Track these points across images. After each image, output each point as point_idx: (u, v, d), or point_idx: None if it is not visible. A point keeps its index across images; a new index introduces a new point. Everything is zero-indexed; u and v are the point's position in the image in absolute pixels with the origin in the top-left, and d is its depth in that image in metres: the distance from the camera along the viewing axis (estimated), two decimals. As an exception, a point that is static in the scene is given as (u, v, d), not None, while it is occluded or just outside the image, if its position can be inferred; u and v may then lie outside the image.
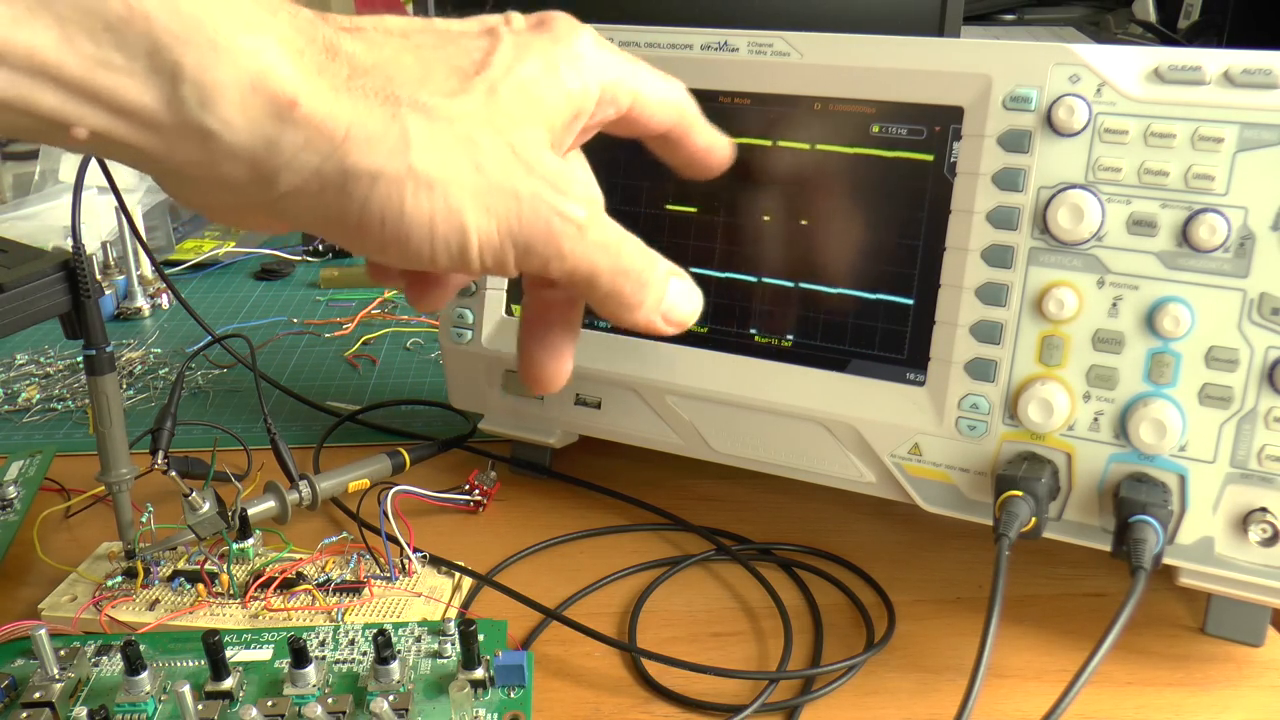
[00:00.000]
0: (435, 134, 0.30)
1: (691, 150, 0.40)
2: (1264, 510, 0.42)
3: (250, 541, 0.52)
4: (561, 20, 0.35)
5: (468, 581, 0.51)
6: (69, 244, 0.47)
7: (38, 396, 0.74)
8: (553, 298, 0.39)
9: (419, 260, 0.31)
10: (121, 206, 0.60)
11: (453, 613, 0.48)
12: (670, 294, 0.36)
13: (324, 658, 0.44)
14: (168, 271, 0.95)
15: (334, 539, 0.52)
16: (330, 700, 0.41)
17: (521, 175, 0.32)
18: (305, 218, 0.31)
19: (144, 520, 0.51)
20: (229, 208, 0.32)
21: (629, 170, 0.54)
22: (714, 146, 0.41)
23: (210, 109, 0.28)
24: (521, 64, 0.33)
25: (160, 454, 0.53)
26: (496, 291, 0.58)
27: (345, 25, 0.32)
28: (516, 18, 0.35)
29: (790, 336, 0.52)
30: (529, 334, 0.39)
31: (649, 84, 0.37)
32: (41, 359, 0.81)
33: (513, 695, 0.42)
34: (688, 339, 0.54)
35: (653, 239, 0.54)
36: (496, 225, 0.32)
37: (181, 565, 0.50)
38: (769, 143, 0.51)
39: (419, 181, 0.30)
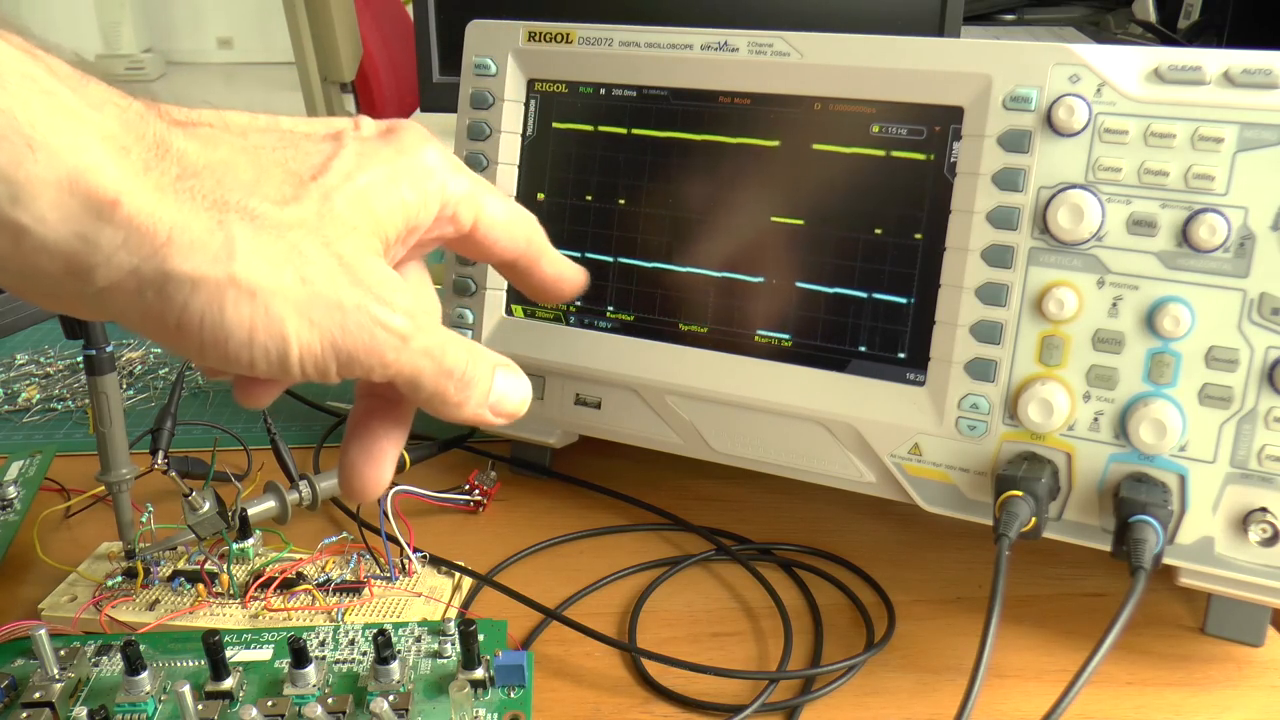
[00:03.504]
0: (261, 243, 0.30)
1: (540, 278, 0.40)
2: (1264, 510, 0.42)
3: (250, 541, 0.52)
4: (410, 130, 0.35)
5: (468, 581, 0.51)
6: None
7: (38, 396, 0.74)
8: (379, 402, 0.39)
9: (238, 365, 0.31)
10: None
11: (453, 613, 0.48)
12: (497, 386, 0.36)
13: (324, 658, 0.44)
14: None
15: (334, 539, 0.52)
16: (330, 700, 0.41)
17: (346, 287, 0.32)
18: (124, 314, 0.30)
19: (144, 520, 0.51)
20: (47, 296, 0.31)
21: (627, 171, 0.54)
22: (563, 276, 0.40)
23: (22, 206, 0.27)
24: (361, 172, 0.33)
25: (160, 454, 0.53)
26: (496, 292, 0.58)
27: (180, 119, 0.31)
28: (366, 123, 0.35)
29: (790, 336, 0.52)
30: (353, 438, 0.39)
31: (494, 206, 0.37)
32: (41, 359, 0.81)
33: (513, 695, 0.42)
34: (688, 339, 0.54)
35: (653, 239, 0.54)
36: (319, 336, 0.31)
37: (181, 565, 0.50)
38: (769, 143, 0.51)
39: (240, 290, 0.30)
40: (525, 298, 0.58)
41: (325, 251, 0.31)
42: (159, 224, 0.29)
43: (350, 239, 0.32)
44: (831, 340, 0.51)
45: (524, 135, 0.57)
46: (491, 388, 0.36)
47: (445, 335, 0.35)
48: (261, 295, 0.30)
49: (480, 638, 0.42)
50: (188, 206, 0.29)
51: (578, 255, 0.56)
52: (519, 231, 0.38)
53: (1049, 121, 0.44)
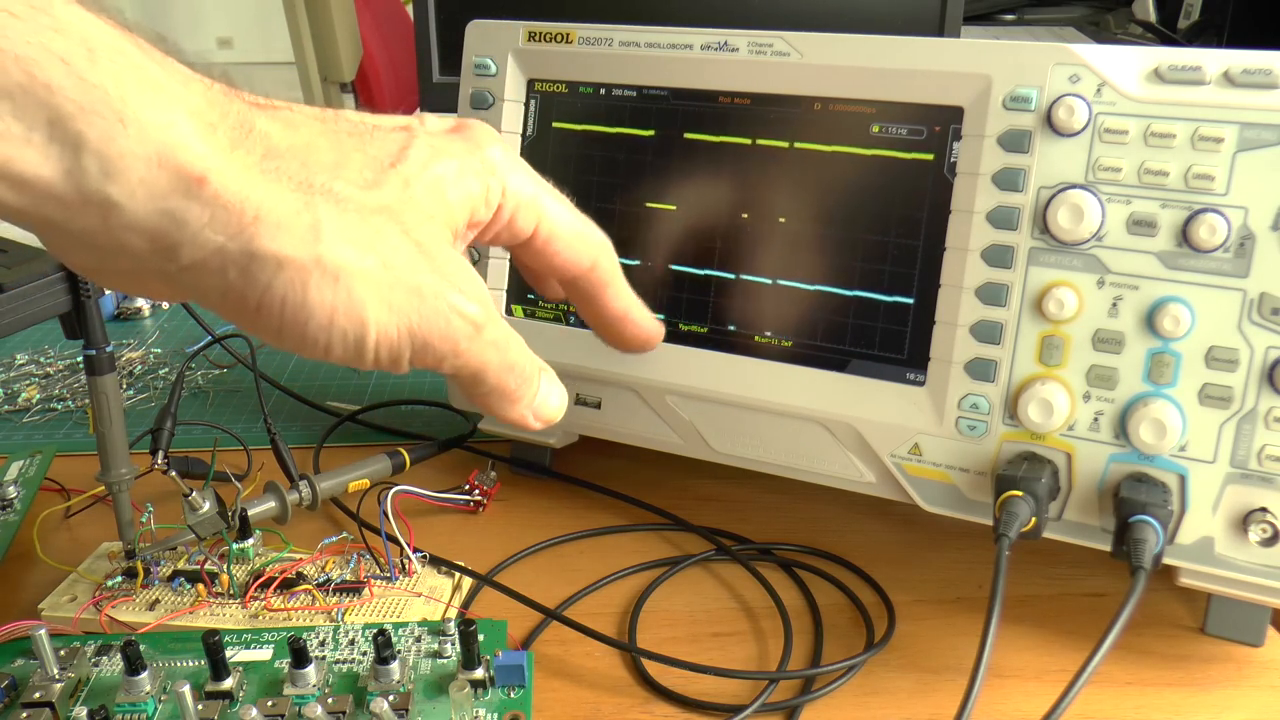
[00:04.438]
0: (346, 226, 0.30)
1: (606, 309, 0.39)
2: (1264, 510, 0.42)
3: (250, 541, 0.52)
4: (479, 128, 0.35)
5: (468, 581, 0.51)
6: (69, 244, 0.47)
7: (38, 396, 0.74)
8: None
9: (313, 350, 0.31)
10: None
11: (453, 613, 0.48)
12: (542, 391, 0.37)
13: (324, 658, 0.44)
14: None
15: (334, 539, 0.52)
16: (330, 700, 0.41)
17: (426, 273, 0.32)
18: (203, 293, 0.30)
19: (144, 520, 0.51)
20: (125, 274, 0.31)
21: (627, 171, 0.54)
22: (630, 315, 0.40)
23: (113, 180, 0.27)
24: (436, 162, 0.33)
25: (160, 454, 0.53)
26: (496, 292, 0.58)
27: (260, 103, 0.31)
28: (431, 119, 0.35)
29: (790, 336, 0.52)
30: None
31: (560, 214, 0.37)
32: (41, 359, 0.81)
33: (513, 695, 0.42)
34: (688, 339, 0.54)
35: (652, 239, 0.54)
36: (397, 322, 0.31)
37: (181, 565, 0.50)
38: (769, 143, 0.51)
39: (325, 272, 0.30)
40: (525, 298, 0.58)
41: (405, 238, 0.32)
42: (246, 203, 0.29)
43: (427, 226, 0.32)
44: (831, 340, 0.51)
45: (524, 135, 0.57)
46: (539, 390, 0.36)
47: (510, 329, 0.35)
48: (345, 278, 0.30)
49: (480, 638, 0.42)
50: (274, 187, 0.29)
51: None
52: (583, 249, 0.38)
53: (1049, 121, 0.44)
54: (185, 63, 0.30)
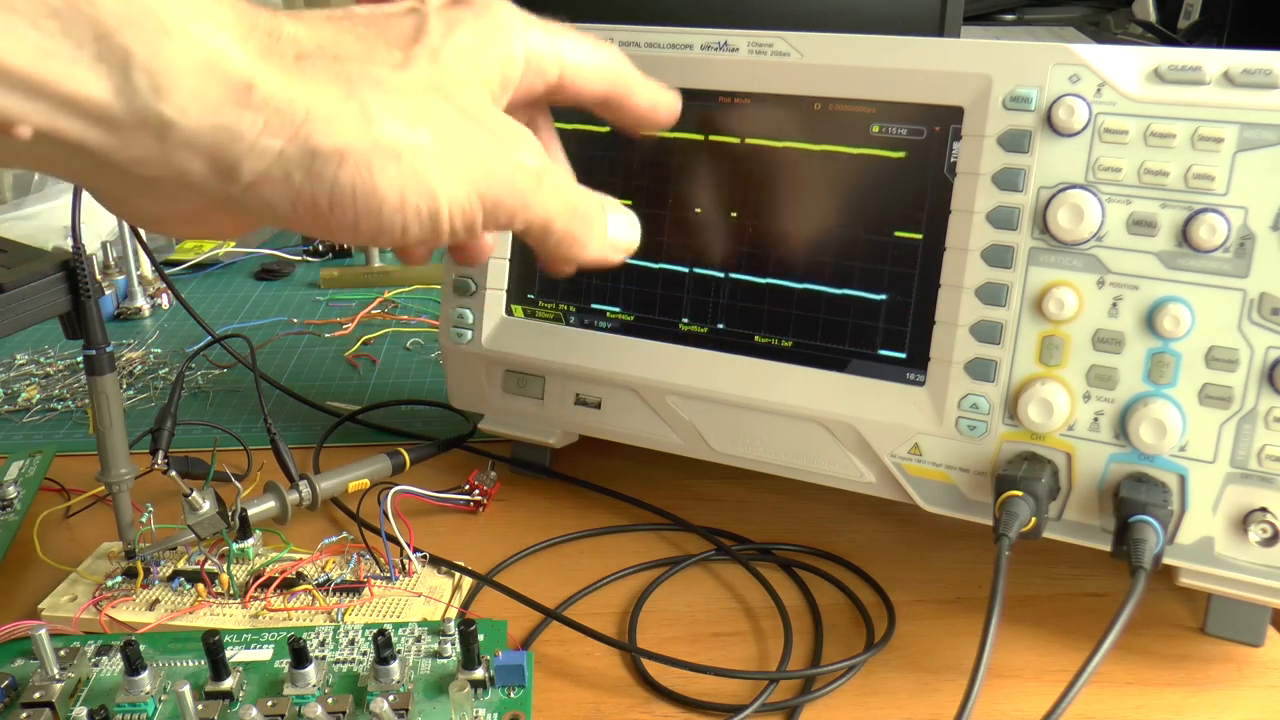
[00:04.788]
0: (392, 104, 0.30)
1: (635, 111, 0.40)
2: (1264, 510, 0.42)
3: (250, 541, 0.52)
4: None
5: (468, 581, 0.51)
6: (69, 244, 0.47)
7: (38, 396, 0.74)
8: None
9: (391, 235, 0.31)
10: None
11: (453, 613, 0.48)
12: (612, 226, 0.37)
13: (324, 658, 0.44)
14: (168, 271, 0.95)
15: (334, 539, 0.52)
16: (330, 700, 0.41)
17: (478, 135, 0.32)
18: (274, 208, 0.30)
19: (144, 520, 0.51)
20: (188, 211, 0.31)
21: (627, 171, 0.54)
22: (658, 103, 0.41)
23: (165, 96, 0.27)
24: (454, 33, 0.33)
25: (160, 454, 0.53)
26: (496, 292, 0.58)
27: (282, 13, 0.31)
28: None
29: (790, 336, 0.52)
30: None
31: (577, 51, 0.37)
32: (41, 359, 0.81)
33: (513, 695, 0.42)
34: (688, 339, 0.54)
35: (653, 239, 0.54)
36: (465, 187, 0.32)
37: (181, 565, 0.50)
38: (769, 143, 0.51)
39: (386, 153, 0.30)
40: (525, 298, 0.58)
41: (449, 106, 0.32)
42: (294, 103, 0.29)
43: (466, 92, 0.33)
44: (831, 340, 0.51)
45: (524, 135, 0.57)
46: (609, 226, 0.37)
47: (567, 174, 0.36)
48: (406, 155, 0.30)
49: (480, 638, 0.42)
50: (315, 83, 0.29)
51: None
52: (604, 71, 0.38)
53: (1049, 121, 0.44)
54: None
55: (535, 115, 0.40)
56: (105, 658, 0.44)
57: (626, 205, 0.39)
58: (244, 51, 0.28)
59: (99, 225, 0.97)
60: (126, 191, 0.30)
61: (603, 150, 0.55)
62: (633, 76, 0.40)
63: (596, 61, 0.38)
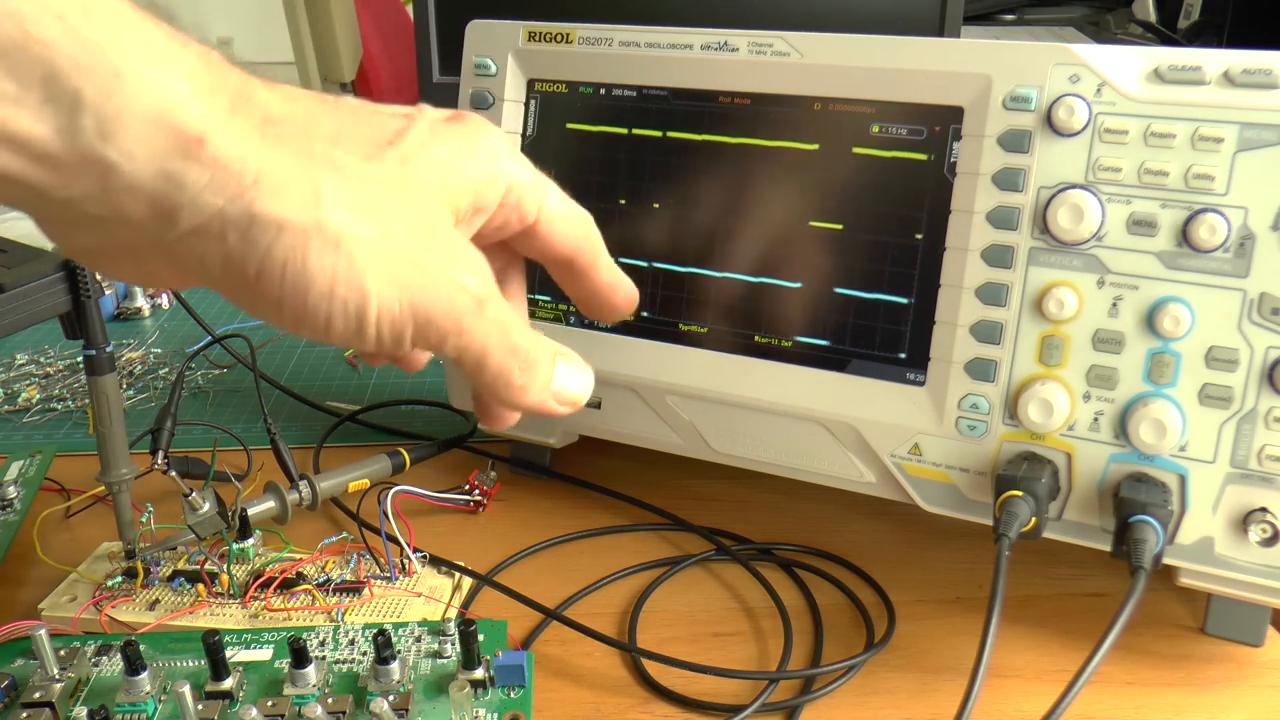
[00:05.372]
0: (347, 192, 0.30)
1: (594, 282, 0.40)
2: (1264, 510, 0.42)
3: (250, 541, 0.52)
4: (476, 119, 0.35)
5: (468, 581, 0.51)
6: (69, 244, 0.47)
7: (38, 396, 0.74)
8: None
9: (314, 325, 0.30)
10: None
11: (453, 613, 0.48)
12: (559, 376, 0.36)
13: (324, 658, 0.44)
14: (168, 271, 0.94)
15: (334, 539, 0.52)
16: (330, 700, 0.41)
17: (427, 246, 0.32)
18: (204, 264, 0.30)
19: (144, 520, 0.51)
20: (126, 252, 0.30)
21: (627, 171, 0.54)
22: (616, 285, 0.40)
23: (111, 140, 0.27)
24: (434, 145, 0.33)
25: (160, 454, 0.53)
26: (496, 291, 0.58)
27: (257, 79, 0.31)
28: (430, 109, 0.35)
29: (790, 336, 0.52)
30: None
31: (555, 200, 0.37)
32: (41, 359, 0.81)
33: (513, 695, 0.42)
34: (688, 339, 0.54)
35: (652, 239, 0.54)
36: (399, 294, 0.31)
37: (181, 565, 0.50)
38: (769, 143, 0.51)
39: (326, 237, 0.29)
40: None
41: (404, 211, 0.31)
42: (246, 166, 0.28)
43: (426, 202, 0.32)
44: (831, 340, 0.51)
45: (524, 135, 0.57)
46: (553, 375, 0.36)
47: (512, 311, 0.35)
48: (346, 244, 0.30)
49: (480, 638, 0.42)
50: (274, 151, 0.29)
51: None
52: (577, 228, 0.38)
53: (1049, 121, 0.44)
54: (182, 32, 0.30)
55: (508, 263, 0.40)
56: (105, 658, 0.44)
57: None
58: (204, 104, 0.28)
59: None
60: (68, 222, 0.30)
61: (603, 150, 0.55)
62: (601, 249, 0.39)
63: (575, 217, 0.38)
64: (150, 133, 0.27)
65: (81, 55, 0.26)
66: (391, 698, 0.40)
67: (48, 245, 0.54)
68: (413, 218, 0.31)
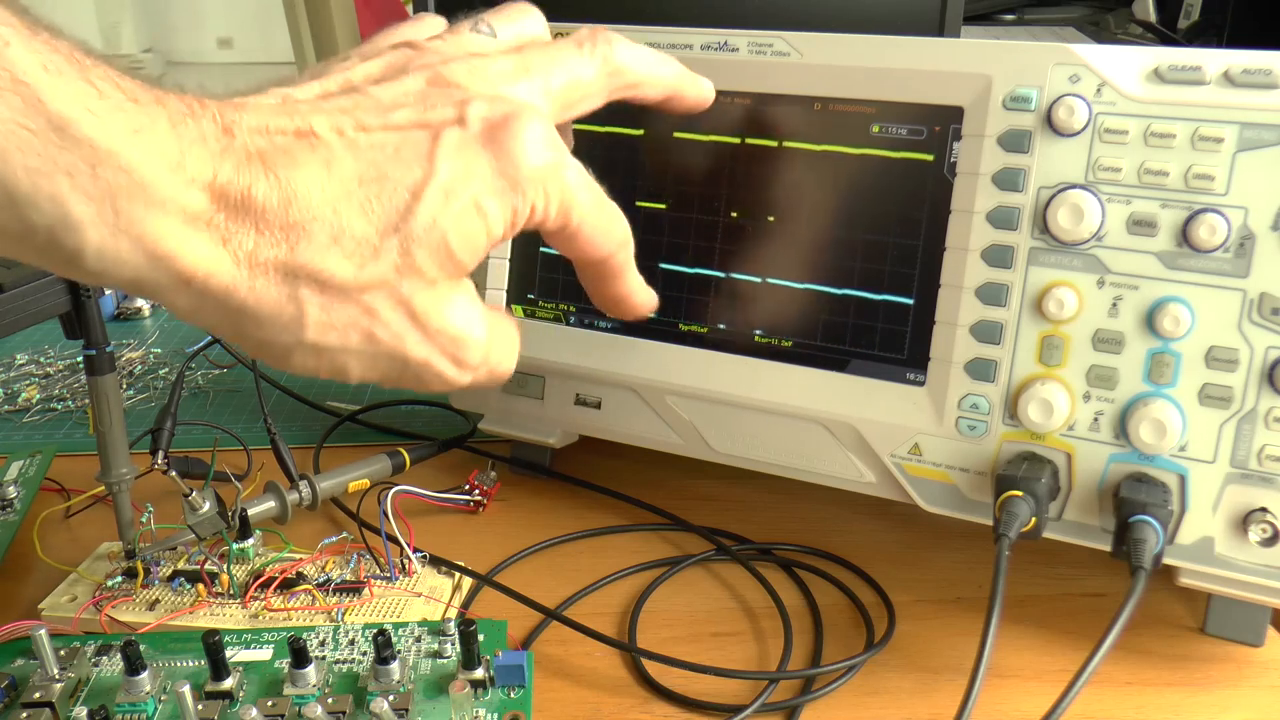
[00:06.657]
0: (332, 312, 0.32)
1: (612, 291, 0.41)
2: (1264, 510, 0.42)
3: (250, 541, 0.52)
4: (515, 131, 0.33)
5: (468, 581, 0.51)
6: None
7: (38, 396, 0.74)
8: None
9: (292, 371, 0.34)
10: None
11: (453, 613, 0.48)
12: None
13: (324, 658, 0.44)
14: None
15: (334, 539, 0.52)
16: (330, 700, 0.41)
17: (415, 343, 0.33)
18: (179, 312, 0.32)
19: (144, 520, 0.51)
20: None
21: (627, 171, 0.54)
22: (633, 298, 0.41)
23: (105, 269, 0.29)
24: (450, 206, 0.32)
25: (160, 454, 0.53)
26: (497, 292, 0.58)
27: (260, 143, 0.30)
28: (475, 107, 0.33)
29: (790, 336, 0.52)
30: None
31: (589, 209, 0.36)
32: (41, 359, 0.81)
33: (513, 695, 0.42)
34: (688, 339, 0.54)
35: (652, 239, 0.54)
36: (378, 375, 0.34)
37: (181, 565, 0.50)
38: (769, 143, 0.51)
39: (307, 350, 0.32)
40: (525, 298, 0.58)
41: (399, 310, 0.33)
42: (232, 294, 0.30)
43: (427, 292, 0.33)
44: (831, 340, 0.51)
45: (524, 135, 0.57)
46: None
47: (496, 373, 0.37)
48: (327, 353, 0.32)
49: (480, 638, 0.42)
50: (261, 280, 0.31)
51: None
52: (605, 242, 0.38)
53: (1049, 121, 0.44)
54: (200, 97, 0.30)
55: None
56: (105, 658, 0.44)
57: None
58: (204, 243, 0.29)
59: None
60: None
61: (603, 151, 0.55)
62: (629, 264, 0.40)
63: (603, 227, 0.38)
64: (143, 266, 0.29)
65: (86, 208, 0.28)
66: (391, 698, 0.40)
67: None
68: (405, 316, 0.33)
